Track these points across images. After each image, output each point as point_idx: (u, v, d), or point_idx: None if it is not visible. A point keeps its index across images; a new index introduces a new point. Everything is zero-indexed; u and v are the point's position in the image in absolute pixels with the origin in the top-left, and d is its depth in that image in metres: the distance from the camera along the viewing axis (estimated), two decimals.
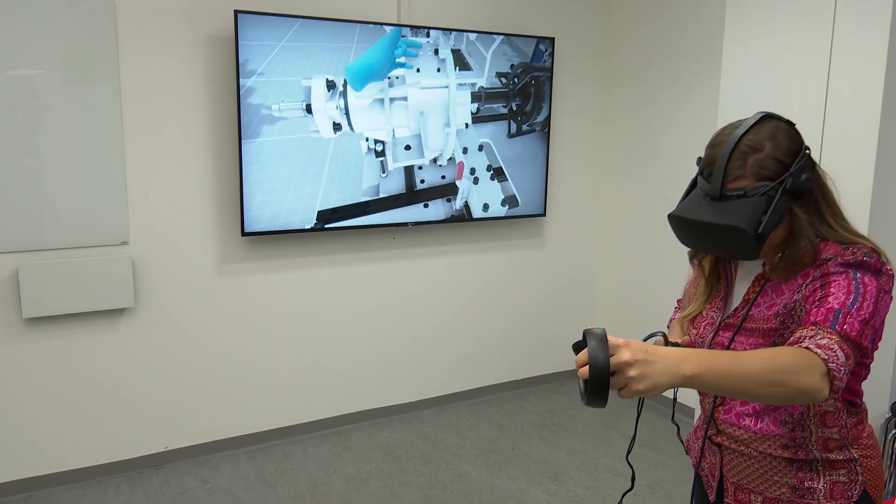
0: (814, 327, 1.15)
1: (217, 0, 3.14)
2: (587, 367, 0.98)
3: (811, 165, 1.27)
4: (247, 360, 3.44)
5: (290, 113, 3.13)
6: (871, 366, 1.32)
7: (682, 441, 1.58)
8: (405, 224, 3.63)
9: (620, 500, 1.50)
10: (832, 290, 1.19)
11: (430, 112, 3.41)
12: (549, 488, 3.14)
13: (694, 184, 1.32)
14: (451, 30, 3.58)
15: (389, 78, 3.32)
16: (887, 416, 2.85)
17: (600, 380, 0.97)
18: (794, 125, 1.28)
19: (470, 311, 4.02)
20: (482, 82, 3.52)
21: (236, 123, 3.19)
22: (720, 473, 1.43)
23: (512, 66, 3.54)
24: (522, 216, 4.00)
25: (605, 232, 4.41)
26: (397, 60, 3.32)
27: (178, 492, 3.06)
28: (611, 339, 1.01)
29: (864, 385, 1.35)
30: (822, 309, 1.17)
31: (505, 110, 3.64)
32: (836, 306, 1.16)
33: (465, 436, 3.64)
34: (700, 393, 1.48)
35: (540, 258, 4.24)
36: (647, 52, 4.00)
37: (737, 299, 1.39)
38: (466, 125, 3.57)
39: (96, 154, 2.98)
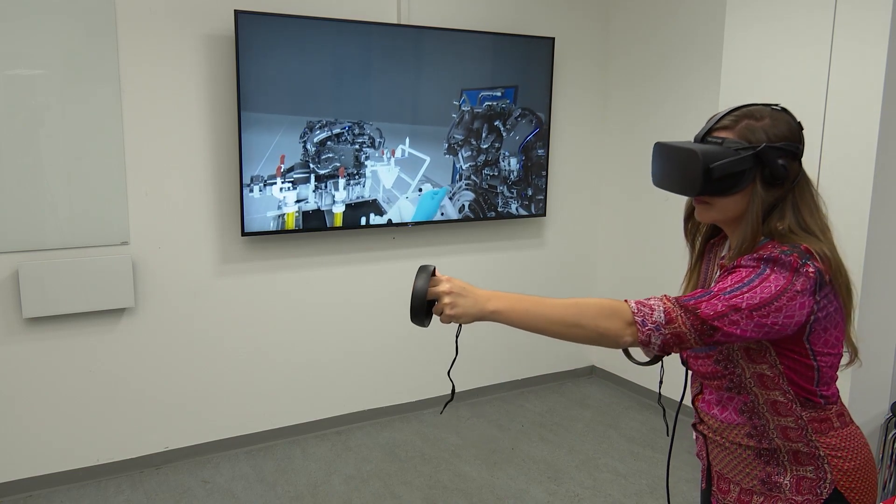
0: (663, 295, 1.23)
1: (217, 0, 3.14)
2: None
3: (797, 167, 1.28)
4: (247, 360, 3.44)
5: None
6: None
7: (666, 423, 1.67)
8: (405, 224, 3.63)
9: (443, 409, 1.63)
10: (729, 278, 1.23)
11: None
12: (549, 488, 3.14)
13: None
14: (450, 30, 3.58)
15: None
16: (887, 416, 2.85)
17: (416, 301, 1.22)
18: (803, 129, 1.31)
19: None
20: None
21: (236, 123, 3.19)
22: (707, 462, 1.48)
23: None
24: (522, 216, 4.00)
25: (604, 232, 4.41)
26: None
27: (178, 492, 3.06)
28: (439, 275, 1.26)
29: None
30: (700, 290, 1.24)
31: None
32: (713, 289, 1.22)
33: (465, 436, 3.64)
34: (690, 382, 1.52)
35: (540, 258, 4.24)
36: (647, 52, 3.99)
37: None
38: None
39: (96, 154, 2.98)
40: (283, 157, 3.11)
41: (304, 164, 3.17)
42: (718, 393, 1.38)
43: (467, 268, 3.97)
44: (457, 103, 3.65)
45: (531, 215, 4.03)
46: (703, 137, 1.30)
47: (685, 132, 3.75)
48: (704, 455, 1.48)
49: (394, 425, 3.75)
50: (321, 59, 3.27)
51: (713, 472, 1.46)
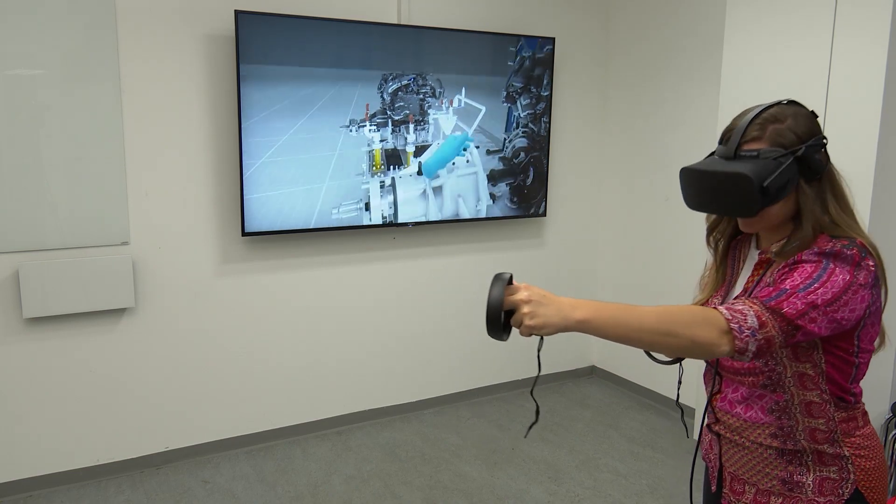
0: (745, 298, 1.19)
1: (217, 0, 3.14)
2: None
3: (826, 156, 1.28)
4: (247, 361, 3.44)
5: (347, 214, 3.51)
6: (871, 366, 1.32)
7: (685, 425, 1.65)
8: (405, 224, 3.63)
9: (527, 432, 1.57)
10: (794, 274, 1.21)
11: (466, 194, 3.87)
12: (549, 488, 3.14)
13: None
14: (450, 30, 3.58)
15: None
16: (887, 416, 2.85)
17: (492, 312, 1.11)
18: (817, 116, 1.30)
19: (470, 311, 4.02)
20: (497, 165, 3.93)
21: (237, 123, 3.19)
22: (720, 463, 1.45)
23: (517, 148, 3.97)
24: (522, 216, 4.00)
25: (605, 232, 4.41)
26: (462, 152, 3.85)
27: (178, 492, 3.06)
28: (516, 283, 1.15)
29: (864, 385, 1.35)
30: (770, 288, 1.20)
31: (510, 183, 4.00)
32: (786, 287, 1.19)
33: (465, 436, 3.64)
34: (704, 381, 1.50)
35: (540, 258, 4.24)
36: (648, 52, 4.00)
37: (738, 288, 1.41)
38: (493, 198, 3.96)
39: (96, 154, 2.98)
40: (367, 105, 3.49)
41: (383, 111, 3.55)
42: (749, 390, 1.35)
43: (467, 268, 3.97)
44: (513, 49, 3.80)
45: (531, 215, 4.03)
46: (734, 154, 1.26)
47: (685, 132, 3.76)
48: (714, 456, 1.46)
49: (394, 425, 3.75)
50: (321, 60, 3.27)
51: (725, 474, 1.44)
